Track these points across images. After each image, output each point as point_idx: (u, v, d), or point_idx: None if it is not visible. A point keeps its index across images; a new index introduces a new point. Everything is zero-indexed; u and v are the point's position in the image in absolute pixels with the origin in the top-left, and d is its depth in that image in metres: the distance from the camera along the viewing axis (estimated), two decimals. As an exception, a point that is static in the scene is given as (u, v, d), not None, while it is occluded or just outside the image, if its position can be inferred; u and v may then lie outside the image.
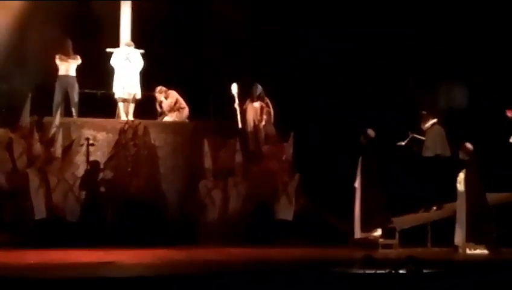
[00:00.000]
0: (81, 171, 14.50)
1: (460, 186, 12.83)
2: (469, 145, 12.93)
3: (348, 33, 16.75)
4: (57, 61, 15.40)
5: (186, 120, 16.11)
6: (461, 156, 12.96)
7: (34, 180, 13.91)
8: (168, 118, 16.07)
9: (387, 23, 16.77)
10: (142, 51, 16.03)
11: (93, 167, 14.52)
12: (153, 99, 16.27)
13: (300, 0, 16.88)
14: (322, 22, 16.87)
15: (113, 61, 15.84)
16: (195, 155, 15.00)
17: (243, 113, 15.63)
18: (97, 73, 16.12)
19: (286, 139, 15.19)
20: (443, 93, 16.49)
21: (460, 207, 12.79)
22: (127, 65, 15.77)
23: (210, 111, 16.28)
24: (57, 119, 14.71)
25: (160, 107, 16.20)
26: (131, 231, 13.74)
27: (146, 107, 16.07)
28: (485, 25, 16.52)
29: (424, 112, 15.32)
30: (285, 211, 14.65)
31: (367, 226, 13.43)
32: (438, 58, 16.76)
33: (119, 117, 15.75)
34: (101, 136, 14.98)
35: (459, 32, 16.71)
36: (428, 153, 15.00)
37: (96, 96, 16.15)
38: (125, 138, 14.84)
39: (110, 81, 15.84)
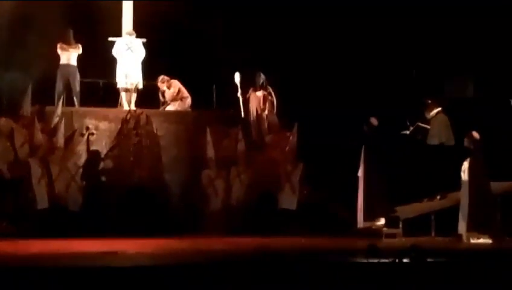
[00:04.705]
0: (83, 160, 14.46)
1: (464, 175, 12.76)
2: (476, 134, 12.84)
3: (352, 21, 16.68)
4: (59, 50, 15.34)
5: (189, 109, 16.04)
6: (466, 144, 12.86)
7: (36, 170, 13.87)
8: (170, 107, 16.01)
9: (394, 12, 16.71)
10: (144, 40, 15.94)
11: (95, 156, 14.48)
12: (156, 88, 16.20)
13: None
14: (325, 12, 16.81)
15: (115, 51, 15.77)
16: (198, 144, 14.94)
17: (246, 102, 15.56)
18: (99, 62, 16.06)
19: (289, 129, 15.12)
20: (448, 82, 16.43)
21: (464, 196, 12.73)
22: (129, 54, 15.69)
23: (213, 100, 16.26)
24: (59, 108, 14.67)
25: (163, 96, 16.14)
26: (133, 220, 13.71)
27: (148, 96, 16.02)
28: (491, 14, 16.46)
29: (429, 101, 15.27)
30: (289, 200, 14.59)
31: (370, 216, 13.40)
32: (444, 48, 16.70)
33: (121, 106, 15.69)
34: (103, 125, 14.91)
35: (465, 22, 16.65)
36: (432, 141, 14.97)
37: (99, 85, 16.12)
38: (128, 128, 14.79)
39: (112, 70, 15.78)
